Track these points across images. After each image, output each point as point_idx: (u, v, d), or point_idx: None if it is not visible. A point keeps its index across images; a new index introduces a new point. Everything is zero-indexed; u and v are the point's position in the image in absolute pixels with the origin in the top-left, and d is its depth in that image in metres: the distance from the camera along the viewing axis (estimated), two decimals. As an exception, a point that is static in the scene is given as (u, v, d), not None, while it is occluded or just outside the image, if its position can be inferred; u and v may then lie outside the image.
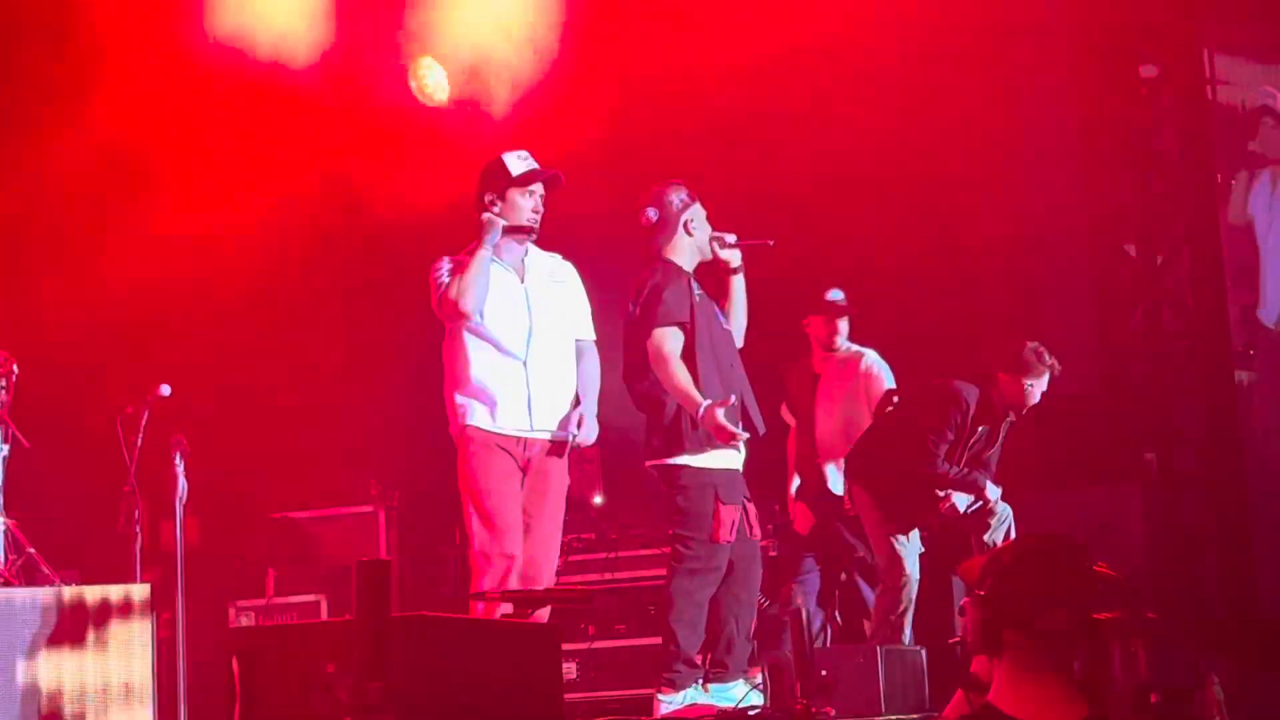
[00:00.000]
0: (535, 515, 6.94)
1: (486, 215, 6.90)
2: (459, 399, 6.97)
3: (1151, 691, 3.32)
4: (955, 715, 3.62)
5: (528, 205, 6.95)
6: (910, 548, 8.11)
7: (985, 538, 8.07)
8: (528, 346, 6.94)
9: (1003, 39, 10.54)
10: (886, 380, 8.94)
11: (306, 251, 10.53)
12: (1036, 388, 8.22)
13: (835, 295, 9.08)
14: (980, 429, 8.22)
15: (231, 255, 10.28)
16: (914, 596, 8.05)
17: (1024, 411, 8.28)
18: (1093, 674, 3.21)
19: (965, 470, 8.14)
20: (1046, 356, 8.21)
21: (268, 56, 9.71)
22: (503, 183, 6.95)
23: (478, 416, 6.91)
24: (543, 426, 6.96)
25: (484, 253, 6.83)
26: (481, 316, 6.87)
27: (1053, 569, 3.33)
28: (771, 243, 7.48)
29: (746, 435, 6.95)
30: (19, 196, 9.05)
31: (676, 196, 7.28)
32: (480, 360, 6.92)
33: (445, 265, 6.94)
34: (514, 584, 6.69)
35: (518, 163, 6.97)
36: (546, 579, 6.94)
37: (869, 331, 9.21)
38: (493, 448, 6.92)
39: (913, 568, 8.06)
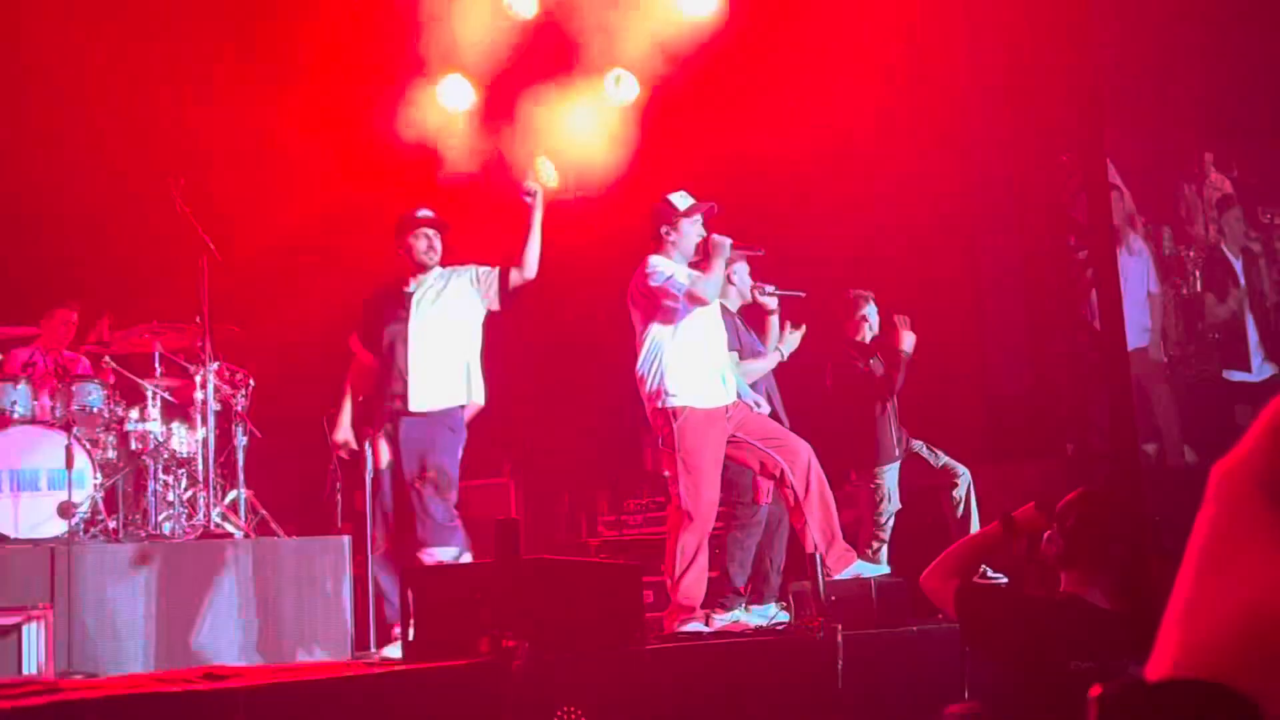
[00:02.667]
0: (767, 433, 6.50)
1: (715, 236, 6.43)
2: (670, 382, 6.33)
3: None
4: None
5: (694, 232, 6.51)
6: (886, 490, 8.00)
7: (953, 494, 7.98)
8: (718, 333, 6.53)
9: (960, 137, 10.52)
10: None
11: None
12: (869, 316, 8.19)
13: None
14: (872, 360, 8.15)
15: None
16: (887, 537, 7.96)
17: (869, 339, 8.17)
18: (1135, 585, 3.56)
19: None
20: (854, 291, 8.24)
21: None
22: (674, 216, 6.51)
23: (692, 397, 6.31)
24: (733, 394, 6.49)
25: (721, 260, 6.38)
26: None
27: (1115, 515, 3.70)
28: (803, 294, 7.37)
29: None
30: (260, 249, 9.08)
31: None
32: (690, 346, 6.39)
33: (671, 266, 6.42)
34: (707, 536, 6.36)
35: (682, 200, 6.56)
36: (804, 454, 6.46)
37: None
38: (707, 423, 6.31)
39: (888, 510, 7.97)
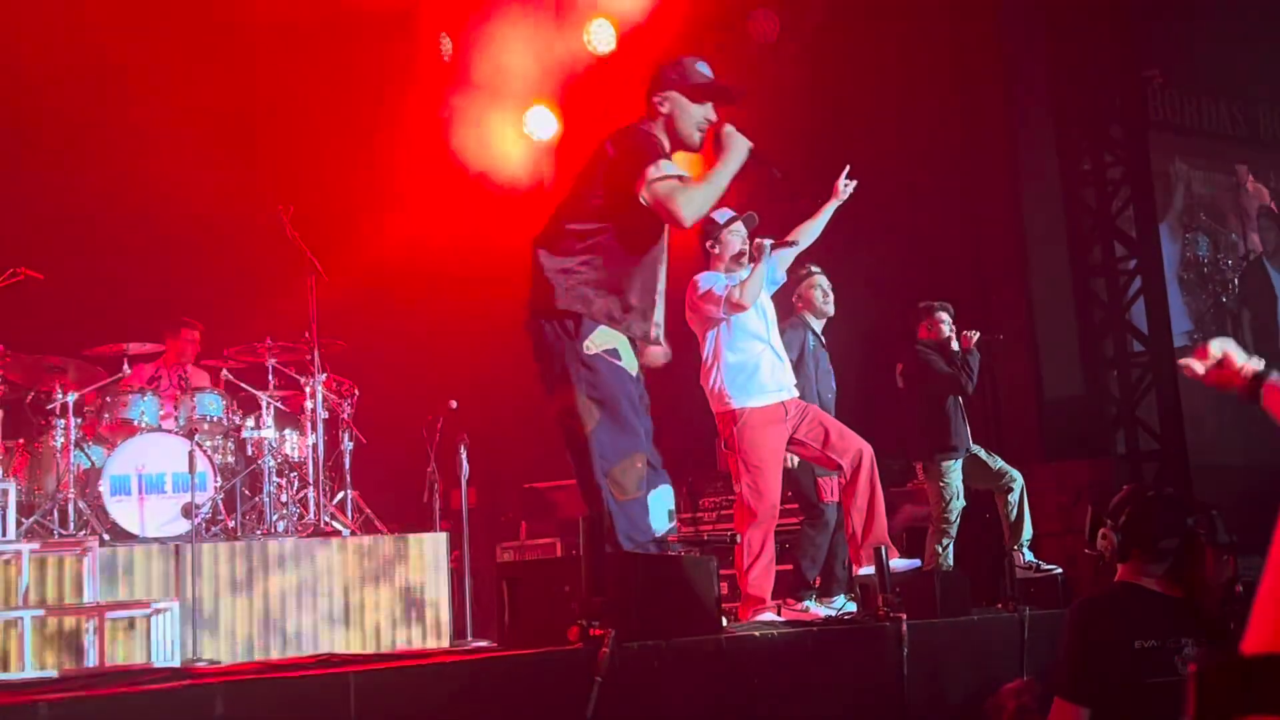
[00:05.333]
0: (826, 430, 6.30)
1: (757, 240, 6.27)
2: (727, 385, 6.23)
3: (1236, 584, 3.62)
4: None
5: (737, 241, 6.38)
6: (955, 488, 7.91)
7: (1009, 498, 7.90)
8: (769, 330, 6.42)
9: (1011, 152, 10.43)
10: None
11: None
12: (942, 322, 8.13)
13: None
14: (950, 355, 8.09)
15: (495, 305, 10.30)
16: (954, 534, 7.88)
17: (945, 338, 8.10)
18: (1189, 573, 3.54)
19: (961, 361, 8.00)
20: (932, 303, 8.19)
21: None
22: (716, 230, 6.38)
23: (751, 399, 6.23)
24: (791, 390, 6.38)
25: (763, 263, 6.22)
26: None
27: (1165, 510, 3.63)
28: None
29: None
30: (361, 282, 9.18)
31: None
32: (743, 348, 6.29)
33: (713, 279, 6.32)
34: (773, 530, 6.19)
35: (722, 215, 6.37)
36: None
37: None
38: (765, 424, 6.20)
39: (956, 508, 7.88)
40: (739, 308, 6.24)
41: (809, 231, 6.65)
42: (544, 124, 10.18)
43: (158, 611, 6.43)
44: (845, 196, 6.56)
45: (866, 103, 9.63)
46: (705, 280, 6.35)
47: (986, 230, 10.37)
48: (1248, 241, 11.49)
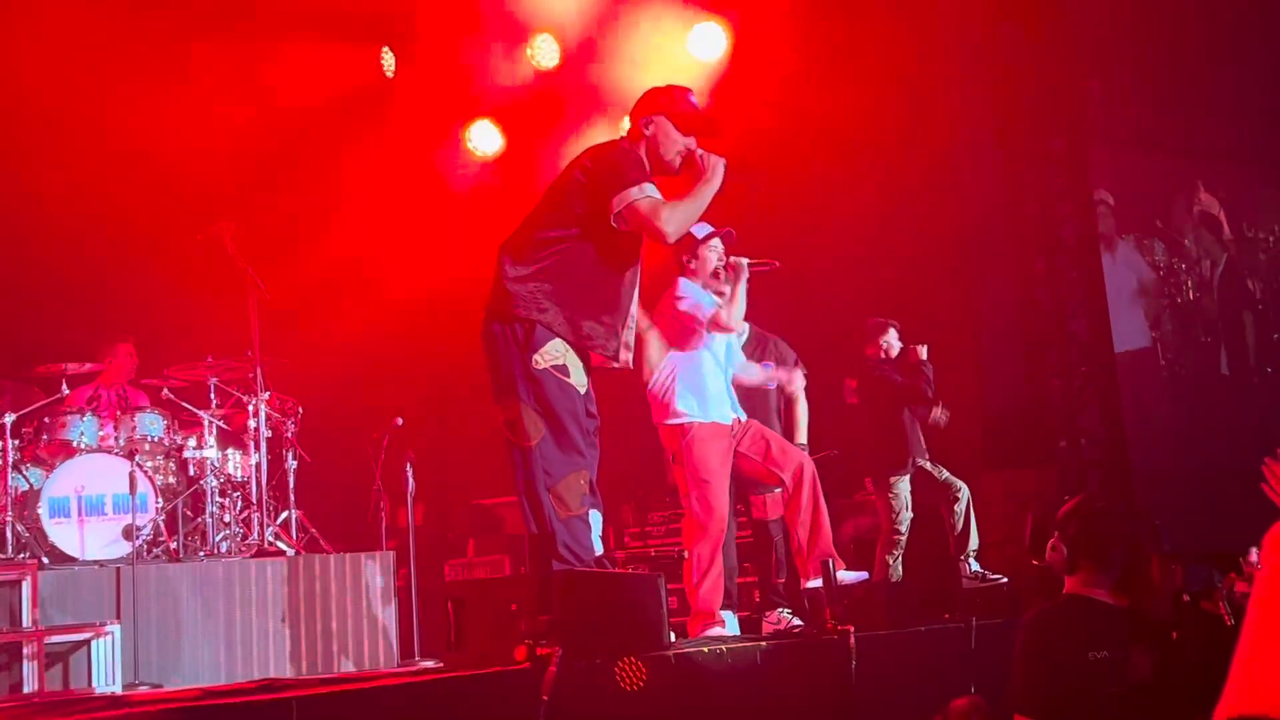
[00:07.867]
0: (767, 443, 6.28)
1: (734, 259, 6.22)
2: (678, 401, 6.18)
3: (1183, 593, 3.70)
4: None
5: (713, 256, 6.36)
6: (904, 500, 7.93)
7: (955, 508, 7.95)
8: (728, 352, 6.39)
9: (955, 165, 10.50)
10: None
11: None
12: (891, 341, 8.18)
13: None
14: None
15: (440, 321, 10.26)
16: (903, 544, 7.91)
17: (895, 356, 8.16)
18: (1137, 582, 3.60)
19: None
20: (877, 318, 8.25)
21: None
22: (694, 244, 6.31)
23: (699, 414, 6.16)
24: (737, 411, 6.33)
25: (742, 284, 6.13)
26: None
27: (1113, 521, 3.70)
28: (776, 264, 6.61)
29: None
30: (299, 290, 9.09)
31: None
32: (700, 367, 6.23)
33: (698, 292, 6.25)
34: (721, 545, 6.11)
35: (700, 229, 6.28)
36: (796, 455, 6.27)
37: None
38: (712, 438, 6.15)
39: (905, 519, 7.91)
40: (723, 329, 6.23)
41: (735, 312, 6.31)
42: (489, 140, 10.15)
43: (98, 636, 6.33)
44: (746, 275, 6.26)
45: (812, 111, 9.68)
46: (688, 291, 6.30)
47: (929, 242, 10.43)
48: (1200, 247, 11.72)
